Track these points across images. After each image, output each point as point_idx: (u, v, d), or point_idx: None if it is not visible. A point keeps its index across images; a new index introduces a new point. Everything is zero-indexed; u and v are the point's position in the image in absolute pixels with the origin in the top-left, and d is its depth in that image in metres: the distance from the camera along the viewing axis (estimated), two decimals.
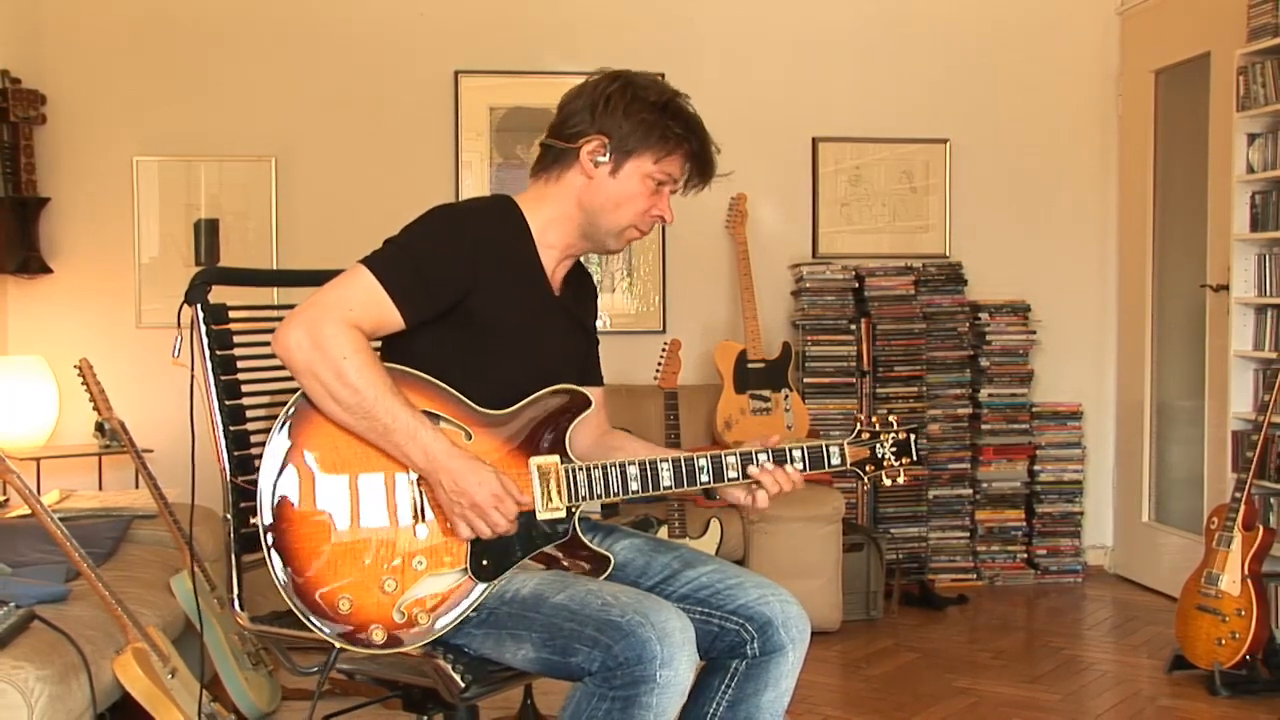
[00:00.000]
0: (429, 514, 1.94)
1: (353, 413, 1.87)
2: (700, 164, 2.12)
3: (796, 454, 2.08)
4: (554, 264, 2.14)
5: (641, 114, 2.05)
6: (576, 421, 2.04)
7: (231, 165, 4.95)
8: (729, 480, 2.07)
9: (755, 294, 4.87)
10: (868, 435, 2.15)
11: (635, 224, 2.12)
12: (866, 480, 2.15)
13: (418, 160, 5.04)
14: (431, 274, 1.95)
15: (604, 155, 2.06)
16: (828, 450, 2.11)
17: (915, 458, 2.18)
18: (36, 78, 4.76)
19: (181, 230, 4.92)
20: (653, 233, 5.00)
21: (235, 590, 2.06)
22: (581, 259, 2.25)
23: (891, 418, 2.18)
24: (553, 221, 2.11)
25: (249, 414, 2.14)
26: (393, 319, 1.94)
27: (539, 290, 2.11)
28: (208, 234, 4.92)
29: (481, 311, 2.00)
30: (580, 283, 2.26)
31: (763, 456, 2.06)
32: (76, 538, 2.63)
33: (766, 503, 2.07)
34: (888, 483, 2.16)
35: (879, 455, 2.14)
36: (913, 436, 2.18)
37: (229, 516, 2.05)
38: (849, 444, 2.13)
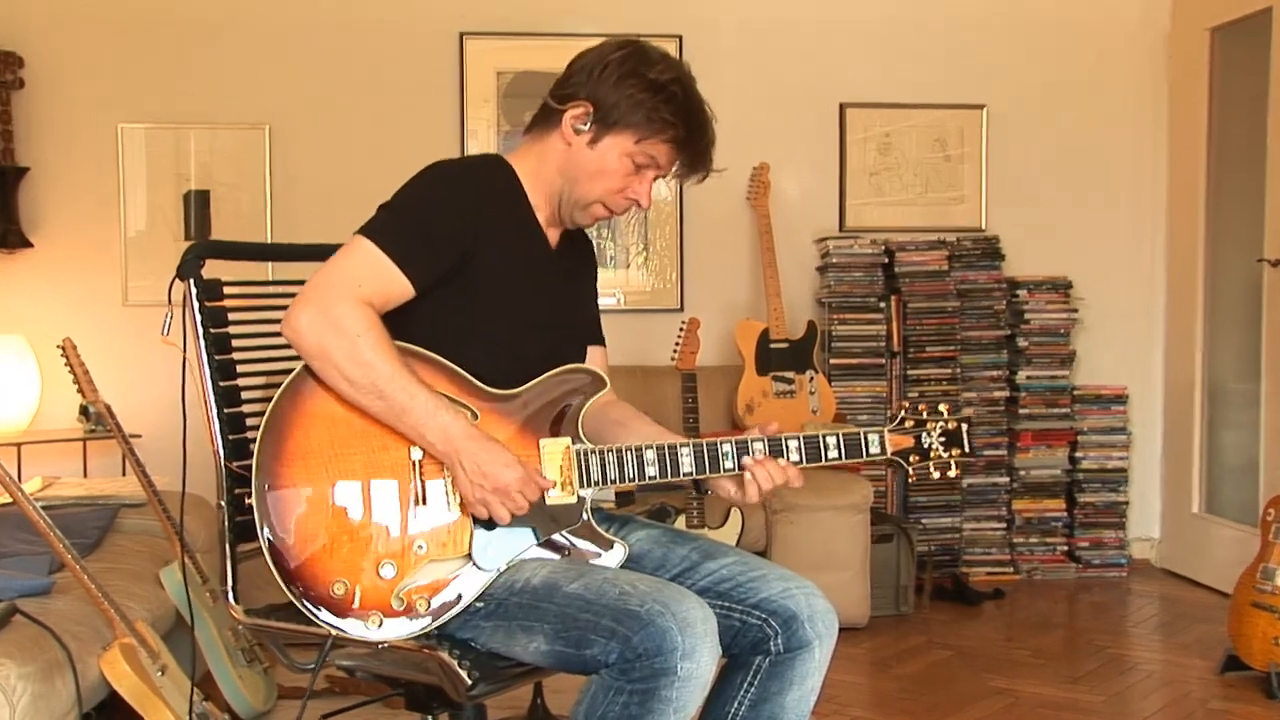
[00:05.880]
0: (430, 497, 1.95)
1: (367, 393, 1.88)
2: (688, 155, 2.10)
3: (831, 440, 2.05)
4: (545, 224, 2.16)
5: (632, 89, 2.03)
6: (590, 402, 2.05)
7: (223, 133, 4.95)
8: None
9: (778, 270, 4.87)
10: (912, 423, 2.11)
11: (604, 200, 2.12)
12: (912, 472, 2.10)
13: (420, 128, 5.03)
14: (433, 233, 1.97)
15: (584, 124, 2.06)
16: (866, 438, 2.06)
17: (968, 449, 2.12)
18: (13, 39, 4.76)
19: (170, 202, 4.93)
20: (670, 205, 5.06)
21: (229, 582, 2.07)
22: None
23: (941, 406, 2.13)
24: (538, 181, 2.13)
25: (244, 395, 2.15)
26: (401, 287, 1.95)
27: (538, 247, 2.14)
28: (198, 206, 4.93)
29: (483, 270, 2.02)
30: (577, 241, 2.28)
31: (793, 444, 2.04)
32: (60, 527, 2.65)
33: (756, 497, 2.05)
34: (936, 476, 2.10)
35: (925, 445, 2.10)
36: (965, 426, 2.11)
37: (223, 504, 2.06)
38: (890, 431, 2.09)
